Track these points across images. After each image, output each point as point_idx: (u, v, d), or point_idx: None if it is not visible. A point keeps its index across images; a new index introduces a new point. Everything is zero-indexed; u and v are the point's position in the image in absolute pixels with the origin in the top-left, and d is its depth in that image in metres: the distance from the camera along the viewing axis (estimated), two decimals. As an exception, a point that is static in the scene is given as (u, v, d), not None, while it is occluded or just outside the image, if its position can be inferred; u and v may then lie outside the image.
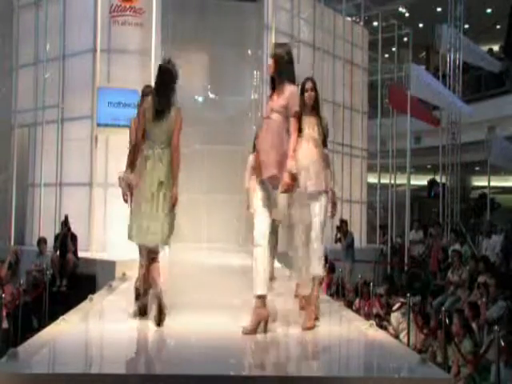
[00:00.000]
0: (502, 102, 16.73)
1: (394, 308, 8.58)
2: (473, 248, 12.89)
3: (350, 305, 9.21)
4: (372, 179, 17.38)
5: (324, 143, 4.86)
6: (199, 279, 7.42)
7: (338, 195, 14.61)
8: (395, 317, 8.46)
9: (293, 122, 4.28)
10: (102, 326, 4.63)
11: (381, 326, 8.46)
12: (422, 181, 20.64)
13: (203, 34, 12.51)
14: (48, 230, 11.70)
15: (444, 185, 16.79)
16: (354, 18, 16.80)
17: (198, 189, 11.98)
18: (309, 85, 4.86)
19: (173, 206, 4.59)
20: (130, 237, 4.66)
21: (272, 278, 5.59)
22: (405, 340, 7.80)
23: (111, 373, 3.22)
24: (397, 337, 8.06)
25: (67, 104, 12.30)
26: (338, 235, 12.98)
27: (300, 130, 4.54)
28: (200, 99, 13.16)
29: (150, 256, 4.70)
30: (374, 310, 9.18)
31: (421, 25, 21.98)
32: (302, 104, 4.60)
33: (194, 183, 11.53)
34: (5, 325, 7.97)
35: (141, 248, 4.87)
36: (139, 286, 4.92)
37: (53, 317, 4.55)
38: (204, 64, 12.76)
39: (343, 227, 12.77)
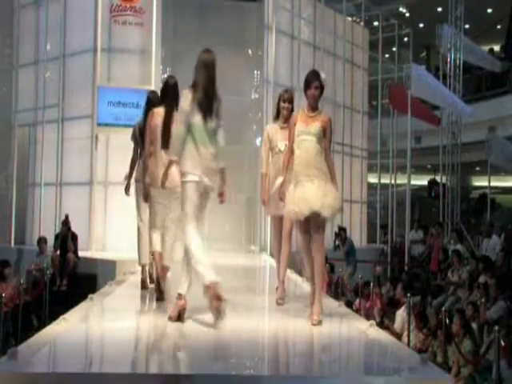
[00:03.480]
0: (502, 102, 16.74)
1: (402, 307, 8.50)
2: (473, 248, 12.88)
3: (350, 305, 9.21)
4: (372, 179, 17.40)
5: None
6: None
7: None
8: (400, 315, 8.43)
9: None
10: (102, 325, 4.63)
11: (382, 323, 8.49)
12: (422, 181, 20.65)
13: (203, 33, 12.51)
14: (48, 229, 11.71)
15: (444, 185, 16.78)
16: (354, 18, 16.82)
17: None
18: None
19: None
20: None
21: None
22: (405, 340, 7.79)
23: (111, 372, 3.22)
24: (401, 335, 8.06)
25: (67, 103, 12.31)
26: (337, 242, 13.00)
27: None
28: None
29: None
30: (376, 310, 9.19)
31: (421, 25, 21.99)
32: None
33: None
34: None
35: None
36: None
37: (53, 316, 4.55)
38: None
39: (342, 234, 12.80)
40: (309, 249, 4.56)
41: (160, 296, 5.23)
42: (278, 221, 5.42)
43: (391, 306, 9.18)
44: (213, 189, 4.59)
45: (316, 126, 4.60)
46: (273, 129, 5.50)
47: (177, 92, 5.38)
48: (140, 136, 5.81)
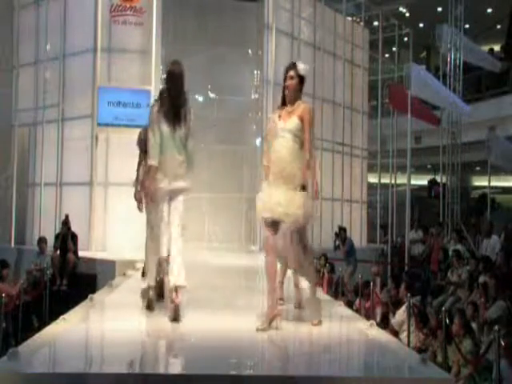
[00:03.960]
0: (502, 102, 16.73)
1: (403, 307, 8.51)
2: (473, 248, 12.88)
3: (350, 305, 9.21)
4: (372, 179, 17.40)
5: None
6: (200, 279, 7.42)
7: (339, 195, 14.92)
8: (400, 314, 8.44)
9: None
10: (102, 325, 4.64)
11: (382, 322, 8.49)
12: (422, 181, 20.65)
13: (203, 33, 12.51)
14: (48, 229, 11.71)
15: (444, 185, 16.78)
16: (354, 18, 16.82)
17: (199, 188, 11.97)
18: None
19: None
20: None
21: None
22: (405, 340, 7.79)
23: (111, 372, 3.22)
24: (397, 332, 8.08)
25: (67, 103, 12.31)
26: (337, 242, 13.01)
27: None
28: (200, 99, 13.17)
29: None
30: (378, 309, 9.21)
31: (421, 25, 21.99)
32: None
33: (195, 183, 11.56)
34: (4, 324, 7.98)
35: None
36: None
37: (53, 316, 4.56)
38: (204, 64, 12.77)
39: (342, 234, 12.81)
40: (271, 247, 4.39)
41: (158, 297, 5.22)
42: None
43: (393, 305, 9.20)
44: (182, 191, 4.84)
45: (293, 120, 4.41)
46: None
47: None
48: (145, 141, 5.85)
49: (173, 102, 4.71)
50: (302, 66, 4.49)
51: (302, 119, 4.40)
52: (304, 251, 4.55)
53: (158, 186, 4.73)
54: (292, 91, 4.49)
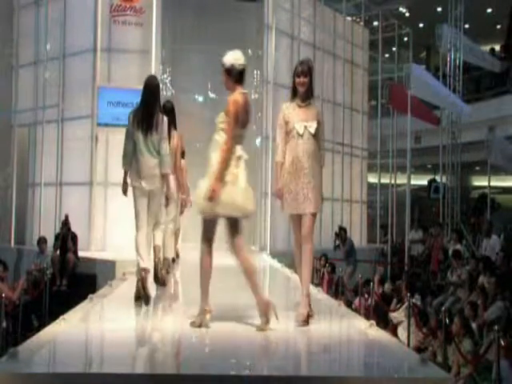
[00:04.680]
0: (501, 102, 16.75)
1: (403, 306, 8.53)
2: (473, 248, 12.89)
3: (349, 304, 9.21)
4: (372, 179, 17.41)
5: None
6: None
7: (339, 195, 14.92)
8: (399, 313, 8.46)
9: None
10: (101, 325, 4.63)
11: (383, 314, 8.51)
12: (422, 181, 20.66)
13: (203, 33, 12.50)
14: (48, 229, 11.71)
15: (444, 185, 16.79)
16: (354, 18, 16.83)
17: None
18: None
19: None
20: None
21: None
22: (404, 337, 7.80)
23: (111, 372, 3.22)
24: (395, 329, 8.10)
25: (67, 104, 12.32)
26: (337, 242, 13.02)
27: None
28: (200, 99, 13.17)
29: None
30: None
31: (421, 25, 22.00)
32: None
33: (195, 183, 11.57)
34: (4, 324, 7.98)
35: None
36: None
37: (53, 316, 4.56)
38: (204, 63, 12.76)
39: (342, 234, 12.82)
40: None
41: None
42: (298, 221, 4.62)
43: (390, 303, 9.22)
44: (161, 192, 5.45)
45: (220, 114, 4.26)
46: (289, 108, 4.54)
47: (173, 115, 6.66)
48: None
49: (146, 112, 5.23)
50: (225, 58, 4.22)
51: (226, 112, 4.19)
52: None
53: (135, 185, 5.23)
54: (225, 86, 4.37)
